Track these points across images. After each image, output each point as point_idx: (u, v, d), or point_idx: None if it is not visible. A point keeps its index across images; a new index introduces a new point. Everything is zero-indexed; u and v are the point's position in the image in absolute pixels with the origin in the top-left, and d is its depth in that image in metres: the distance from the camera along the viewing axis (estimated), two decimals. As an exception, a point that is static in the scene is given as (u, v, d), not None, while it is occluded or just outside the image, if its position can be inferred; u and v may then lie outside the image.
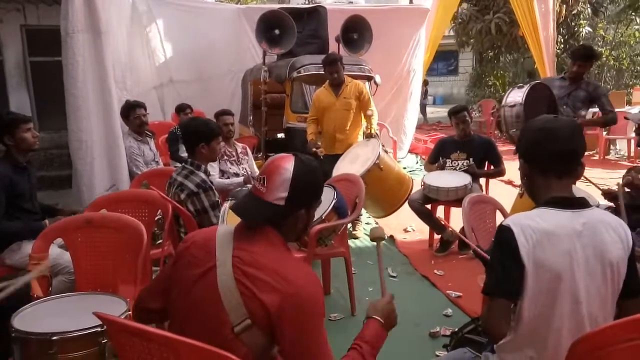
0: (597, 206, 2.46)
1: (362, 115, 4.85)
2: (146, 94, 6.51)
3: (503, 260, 1.46)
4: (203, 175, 2.93)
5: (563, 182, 1.54)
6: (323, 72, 4.85)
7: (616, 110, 9.50)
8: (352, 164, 4.35)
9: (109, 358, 1.79)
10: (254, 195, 1.44)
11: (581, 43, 11.91)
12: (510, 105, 3.70)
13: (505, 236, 1.46)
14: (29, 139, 2.93)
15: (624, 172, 3.00)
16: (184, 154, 5.15)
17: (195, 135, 2.95)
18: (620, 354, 1.26)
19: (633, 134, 8.61)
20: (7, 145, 2.92)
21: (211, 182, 2.97)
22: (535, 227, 1.45)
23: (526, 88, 3.71)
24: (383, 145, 4.55)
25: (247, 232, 1.41)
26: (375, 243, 1.72)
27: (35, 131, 2.99)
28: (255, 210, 1.41)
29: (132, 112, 4.43)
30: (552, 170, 1.54)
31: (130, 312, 1.99)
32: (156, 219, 3.20)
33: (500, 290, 1.47)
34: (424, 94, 16.00)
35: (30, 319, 1.87)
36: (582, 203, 1.52)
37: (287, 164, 1.42)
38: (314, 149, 4.59)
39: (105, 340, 1.77)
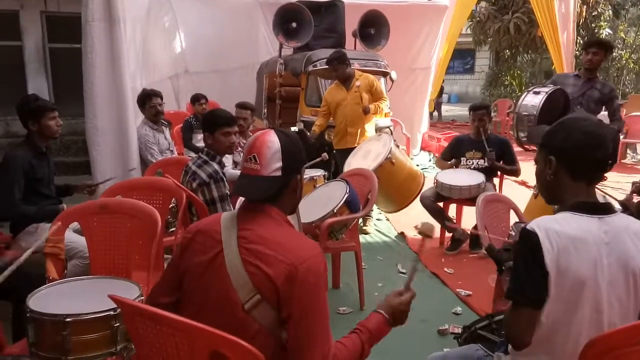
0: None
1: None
2: (161, 83, 6.55)
3: (527, 266, 1.41)
4: (216, 166, 2.95)
5: (590, 188, 1.50)
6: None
7: (635, 114, 9.42)
8: (364, 159, 4.35)
9: (121, 341, 1.82)
10: (250, 176, 1.46)
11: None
12: (524, 114, 3.68)
13: (530, 241, 1.40)
14: (53, 127, 2.99)
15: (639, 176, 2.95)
16: (199, 144, 5.21)
17: (203, 124, 3.06)
18: (632, 357, 1.25)
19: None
20: (29, 130, 2.97)
21: (224, 174, 2.98)
22: (561, 232, 1.39)
23: (543, 97, 3.65)
24: (395, 140, 4.54)
25: (249, 213, 1.45)
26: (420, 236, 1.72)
27: (60, 120, 3.05)
28: (256, 188, 1.44)
29: (148, 100, 4.45)
30: (586, 176, 1.48)
31: (143, 298, 2.02)
32: (170, 206, 3.23)
33: (525, 298, 1.42)
34: (440, 91, 15.90)
35: (45, 301, 1.89)
36: (607, 209, 1.47)
37: (271, 137, 1.46)
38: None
39: (118, 324, 1.79)
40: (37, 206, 2.91)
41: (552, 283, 1.39)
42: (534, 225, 1.42)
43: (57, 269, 2.38)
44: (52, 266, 2.36)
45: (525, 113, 3.71)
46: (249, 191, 1.46)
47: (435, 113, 15.86)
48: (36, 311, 1.79)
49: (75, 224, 2.72)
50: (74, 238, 2.77)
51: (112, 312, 1.78)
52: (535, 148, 3.99)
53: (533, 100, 3.71)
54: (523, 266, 1.43)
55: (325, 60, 5.56)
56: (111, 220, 2.57)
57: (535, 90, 3.87)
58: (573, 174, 1.48)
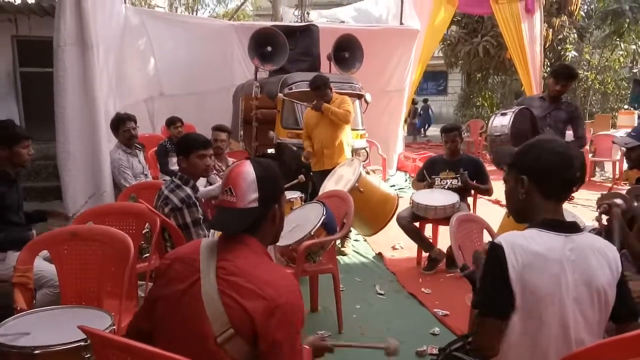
0: (584, 228, 2.48)
1: (350, 130, 4.95)
2: (136, 106, 6.50)
3: (493, 278, 1.46)
4: (189, 191, 2.92)
5: (557, 205, 1.55)
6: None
7: (602, 133, 9.72)
8: (336, 184, 4.40)
9: (92, 373, 1.76)
10: (226, 208, 1.44)
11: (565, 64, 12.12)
12: (496, 134, 3.77)
13: (496, 254, 1.46)
14: (25, 155, 2.97)
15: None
16: (174, 167, 5.16)
17: (177, 148, 3.04)
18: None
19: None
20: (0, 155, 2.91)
21: (197, 199, 2.96)
22: (527, 247, 1.44)
23: (511, 116, 3.75)
24: (365, 167, 4.59)
25: (229, 243, 1.43)
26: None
27: (32, 149, 3.02)
28: (232, 221, 1.42)
29: (121, 124, 4.42)
30: (556, 195, 1.53)
31: (115, 327, 1.97)
32: (144, 232, 3.18)
33: (490, 309, 1.47)
34: (414, 113, 16.19)
35: (12, 332, 1.83)
36: (573, 227, 1.52)
37: (247, 168, 1.45)
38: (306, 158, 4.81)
39: (89, 355, 1.74)
40: (5, 233, 2.83)
41: (517, 297, 1.43)
42: (501, 239, 1.48)
43: (25, 299, 2.31)
44: (20, 296, 2.29)
45: (497, 134, 3.80)
46: (225, 225, 1.45)
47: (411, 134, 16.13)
48: (3, 344, 1.74)
49: (44, 252, 2.65)
50: (43, 266, 2.69)
51: (82, 343, 1.74)
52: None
53: (502, 120, 3.80)
54: (489, 278, 1.48)
55: (300, 83, 5.64)
56: (82, 247, 2.51)
57: (502, 112, 3.98)
58: (544, 192, 1.52)
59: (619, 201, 2.49)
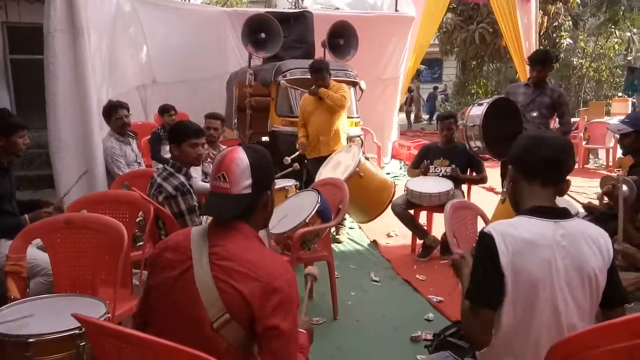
0: (577, 214, 2.49)
1: (346, 117, 4.93)
2: (129, 94, 6.45)
3: (484, 267, 1.46)
4: (182, 178, 2.90)
5: (546, 191, 1.54)
6: (309, 77, 4.86)
7: (596, 120, 9.76)
8: (333, 170, 4.39)
9: (87, 361, 1.77)
10: (219, 194, 1.43)
11: (560, 54, 12.13)
12: (470, 125, 3.79)
13: (486, 243, 1.46)
14: (20, 145, 2.95)
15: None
16: (167, 155, 5.13)
17: (169, 136, 3.01)
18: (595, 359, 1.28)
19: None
20: None
21: (191, 186, 2.94)
22: (516, 235, 1.45)
23: (485, 107, 3.75)
24: (364, 152, 4.58)
25: (220, 229, 1.43)
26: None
27: (27, 138, 3.00)
28: (227, 207, 1.42)
29: (114, 112, 4.37)
30: (537, 177, 1.54)
31: (109, 315, 1.97)
32: (137, 220, 3.17)
33: (482, 299, 1.47)
34: (409, 100, 16.16)
35: (6, 321, 1.83)
36: (564, 213, 1.52)
37: (239, 154, 1.44)
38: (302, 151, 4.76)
39: (84, 343, 1.74)
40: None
41: (508, 284, 1.44)
42: (491, 228, 1.48)
43: (18, 288, 2.30)
44: (13, 285, 2.28)
45: (471, 124, 3.81)
46: (219, 210, 1.44)
47: (405, 122, 16.11)
48: (-3, 333, 1.73)
49: (37, 240, 2.64)
50: (36, 255, 2.68)
51: (77, 331, 1.74)
52: (489, 156, 4.12)
53: (477, 111, 3.81)
54: (480, 268, 1.48)
55: (294, 70, 5.59)
56: (76, 235, 2.50)
57: (479, 102, 3.98)
58: (526, 176, 1.56)
59: (624, 187, 2.49)
